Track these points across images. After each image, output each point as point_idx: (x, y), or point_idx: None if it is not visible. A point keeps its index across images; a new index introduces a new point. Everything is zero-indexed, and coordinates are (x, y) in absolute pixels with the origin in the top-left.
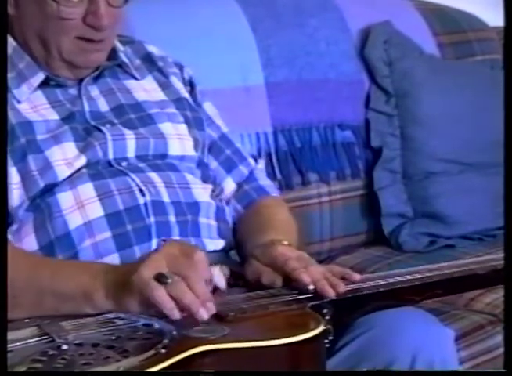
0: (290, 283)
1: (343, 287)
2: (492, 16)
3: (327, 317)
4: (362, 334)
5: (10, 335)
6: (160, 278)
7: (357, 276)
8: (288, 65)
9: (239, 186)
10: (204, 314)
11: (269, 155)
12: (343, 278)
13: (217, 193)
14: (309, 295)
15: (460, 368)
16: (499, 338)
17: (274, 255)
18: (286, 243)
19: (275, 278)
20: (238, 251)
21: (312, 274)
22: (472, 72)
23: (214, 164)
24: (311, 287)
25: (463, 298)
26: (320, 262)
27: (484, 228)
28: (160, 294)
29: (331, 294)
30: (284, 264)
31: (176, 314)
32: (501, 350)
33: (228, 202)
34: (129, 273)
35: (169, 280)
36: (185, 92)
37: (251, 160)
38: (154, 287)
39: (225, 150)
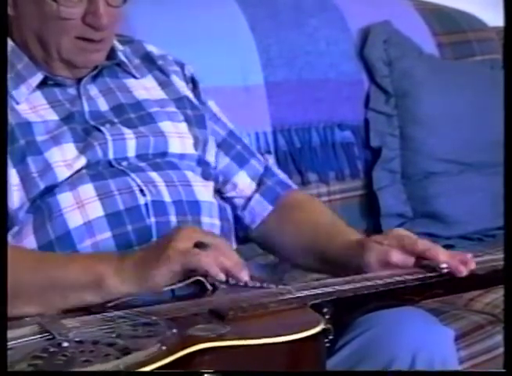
0: (420, 262)
1: (473, 264)
2: (491, 16)
3: (327, 316)
4: (362, 333)
5: (10, 333)
6: (200, 246)
7: (468, 255)
8: (288, 65)
9: (261, 181)
10: (246, 275)
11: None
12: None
13: (227, 189)
14: (442, 273)
15: (460, 368)
16: (499, 338)
17: (401, 235)
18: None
19: (407, 257)
20: (264, 246)
21: (444, 253)
22: (472, 72)
23: (225, 160)
24: (445, 265)
25: (463, 298)
26: None
27: (483, 228)
28: (206, 259)
29: (464, 272)
30: (415, 243)
31: (222, 276)
32: (500, 350)
33: (249, 198)
34: (159, 249)
35: (208, 248)
36: (186, 90)
37: (260, 156)
38: (198, 253)
39: (236, 146)
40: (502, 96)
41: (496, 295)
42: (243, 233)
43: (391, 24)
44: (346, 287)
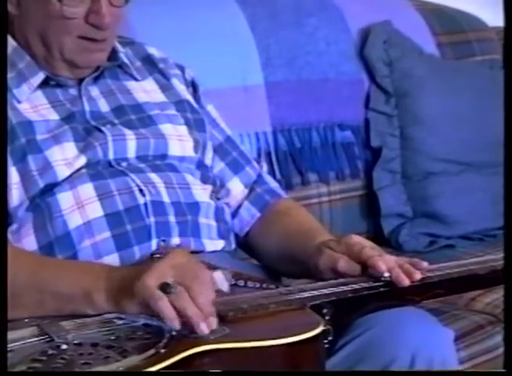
0: (365, 271)
1: (418, 275)
2: (491, 16)
3: (327, 317)
4: (361, 334)
5: (10, 335)
6: (165, 287)
7: (424, 264)
8: (288, 65)
9: (251, 188)
10: (205, 328)
11: (269, 155)
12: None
13: (221, 195)
14: (382, 283)
15: (460, 368)
16: (499, 338)
17: (350, 243)
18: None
19: (353, 265)
20: (252, 253)
21: (387, 262)
22: (471, 72)
23: (220, 165)
24: (387, 274)
25: (463, 299)
26: None
27: (484, 228)
28: (163, 304)
29: (406, 282)
30: (360, 251)
31: (177, 324)
32: (501, 350)
33: (239, 206)
34: (133, 279)
35: (173, 290)
36: (186, 94)
37: (255, 164)
38: (158, 296)
39: (232, 152)
40: (502, 96)
41: (497, 295)
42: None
43: (391, 24)
44: (346, 287)
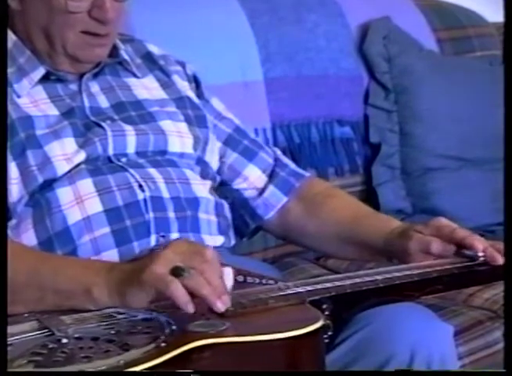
0: (458, 251)
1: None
2: (491, 11)
3: (326, 312)
4: (361, 329)
5: (10, 329)
6: (177, 271)
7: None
8: (287, 61)
9: (274, 172)
10: (221, 306)
11: None
12: None
13: (237, 182)
14: (479, 262)
15: (459, 363)
16: (498, 334)
17: (441, 225)
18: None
19: (447, 246)
20: (284, 236)
21: (482, 242)
22: (471, 68)
23: (233, 155)
24: (481, 254)
25: (462, 294)
26: (318, 258)
27: (483, 224)
28: (177, 287)
29: (500, 260)
30: (453, 232)
31: (190, 308)
32: (500, 346)
33: (263, 190)
34: (139, 270)
35: (186, 273)
36: (188, 90)
37: (268, 149)
38: (170, 280)
39: (243, 141)
40: (502, 92)
41: (496, 291)
42: (254, 224)
43: (390, 20)
44: (345, 282)
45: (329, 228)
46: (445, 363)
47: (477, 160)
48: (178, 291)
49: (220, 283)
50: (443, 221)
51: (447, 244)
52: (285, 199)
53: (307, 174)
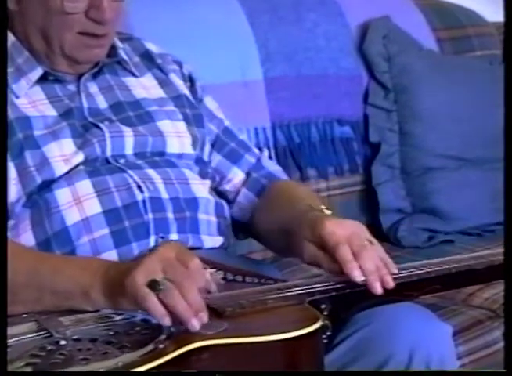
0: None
1: (391, 284)
2: (491, 11)
3: (325, 313)
4: (360, 329)
5: (8, 330)
6: (153, 285)
7: (395, 269)
8: (287, 60)
9: (248, 174)
10: (196, 324)
11: (268, 150)
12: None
13: (223, 185)
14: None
15: (458, 363)
16: (498, 334)
17: (323, 235)
18: (324, 208)
19: (334, 266)
20: (265, 240)
21: (364, 263)
22: (471, 67)
23: (218, 157)
24: (362, 278)
25: (462, 294)
26: None
27: (482, 223)
28: (151, 301)
29: (379, 291)
30: (335, 250)
31: (167, 321)
32: (499, 345)
33: (237, 192)
34: (124, 275)
35: (162, 287)
36: (184, 89)
37: (256, 150)
38: (145, 294)
39: (230, 143)
40: (502, 92)
41: (495, 290)
42: (237, 229)
43: (390, 20)
44: (344, 283)
45: (272, 224)
46: (444, 363)
47: (477, 160)
48: (153, 306)
49: (197, 298)
50: (328, 228)
51: (333, 263)
52: (256, 200)
53: (284, 177)
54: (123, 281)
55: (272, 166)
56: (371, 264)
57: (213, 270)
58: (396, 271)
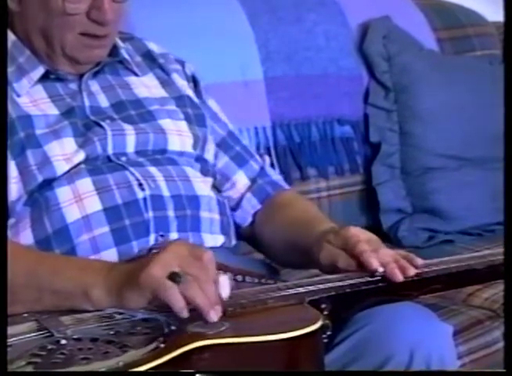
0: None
1: (412, 271)
2: (491, 10)
3: (325, 312)
4: (360, 329)
5: (9, 330)
6: (174, 276)
7: (419, 261)
8: (287, 60)
9: (253, 180)
10: (214, 317)
11: (268, 150)
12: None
13: (225, 188)
14: (377, 278)
15: (459, 363)
16: (498, 333)
17: (347, 236)
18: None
19: (351, 261)
20: (261, 248)
21: (382, 257)
22: (471, 67)
23: (224, 158)
24: (381, 269)
25: (462, 294)
26: None
27: (483, 223)
28: (174, 293)
29: (400, 278)
30: (355, 246)
31: (185, 313)
32: (499, 345)
33: (241, 197)
34: (137, 272)
35: (182, 279)
36: (187, 89)
37: (258, 157)
38: (168, 285)
39: (235, 147)
40: (502, 92)
41: (495, 290)
42: (237, 234)
43: (390, 19)
44: (345, 282)
45: (276, 236)
46: (444, 363)
47: (477, 160)
48: (175, 297)
49: (214, 292)
50: (351, 231)
51: (351, 258)
52: (259, 206)
53: (286, 187)
54: (136, 277)
55: (275, 175)
56: (388, 256)
57: (229, 275)
58: (421, 262)
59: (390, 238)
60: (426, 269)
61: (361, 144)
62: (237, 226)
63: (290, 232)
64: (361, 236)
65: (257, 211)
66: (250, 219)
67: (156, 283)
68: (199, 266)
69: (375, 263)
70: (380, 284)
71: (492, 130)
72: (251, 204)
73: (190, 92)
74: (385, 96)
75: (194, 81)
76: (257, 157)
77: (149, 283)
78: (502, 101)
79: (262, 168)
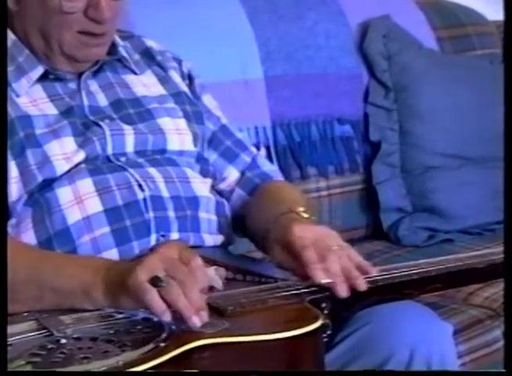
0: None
1: (363, 286)
2: (491, 10)
3: (326, 311)
4: (360, 328)
5: (9, 329)
6: (155, 281)
7: (373, 270)
8: (287, 59)
9: (242, 173)
10: (197, 321)
11: (268, 149)
12: (357, 269)
13: (218, 183)
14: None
15: (459, 362)
16: (498, 333)
17: (291, 240)
18: (302, 210)
19: (303, 272)
20: (252, 239)
21: (330, 266)
22: (471, 66)
23: (214, 155)
24: (325, 280)
25: (462, 293)
26: None
27: (483, 222)
28: (152, 297)
29: (344, 294)
30: (300, 254)
31: (167, 317)
32: (499, 344)
33: (231, 191)
34: (126, 273)
35: (163, 284)
36: (184, 86)
37: (253, 149)
38: (147, 289)
39: (225, 141)
40: (502, 91)
41: (495, 290)
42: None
43: (390, 18)
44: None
45: (257, 224)
46: (445, 362)
47: (477, 159)
48: (153, 301)
49: (198, 297)
50: (295, 232)
51: (300, 268)
52: (248, 198)
53: (278, 177)
54: (125, 280)
55: (267, 166)
56: (337, 266)
57: (218, 268)
58: (374, 273)
59: (390, 237)
60: (428, 268)
61: (361, 143)
62: (232, 221)
63: (261, 217)
64: (305, 236)
65: (246, 203)
66: (240, 211)
67: (137, 287)
68: (185, 271)
69: (319, 276)
70: (380, 283)
71: (492, 129)
72: (241, 198)
73: (186, 90)
74: (385, 95)
75: (189, 79)
76: (252, 148)
77: (132, 286)
78: (502, 100)
79: (253, 160)
